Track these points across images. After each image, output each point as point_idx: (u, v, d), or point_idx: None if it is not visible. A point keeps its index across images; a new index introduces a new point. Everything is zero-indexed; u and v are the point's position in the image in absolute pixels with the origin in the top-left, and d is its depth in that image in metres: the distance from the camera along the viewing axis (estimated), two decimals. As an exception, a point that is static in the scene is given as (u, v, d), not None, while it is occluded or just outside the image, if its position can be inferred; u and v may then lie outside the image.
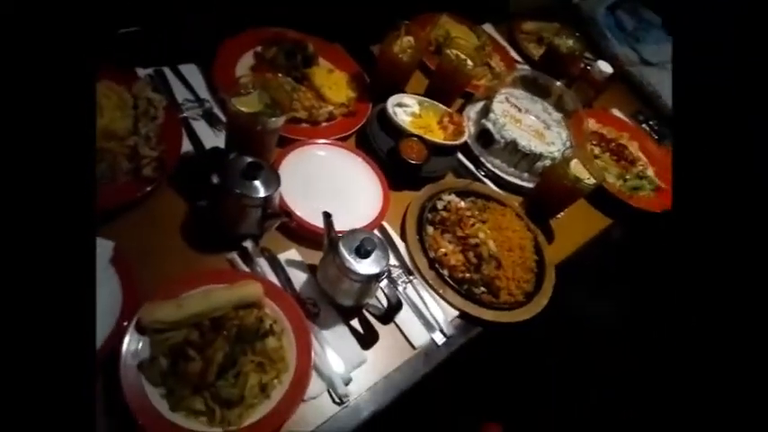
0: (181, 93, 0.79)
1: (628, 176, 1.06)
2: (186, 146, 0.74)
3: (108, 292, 0.57)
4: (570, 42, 1.17)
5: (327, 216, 0.66)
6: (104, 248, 0.59)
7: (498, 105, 0.98)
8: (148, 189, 0.66)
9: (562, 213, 0.93)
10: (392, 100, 0.89)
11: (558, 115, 1.03)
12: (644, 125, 1.29)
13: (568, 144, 0.99)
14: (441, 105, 0.94)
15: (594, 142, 1.11)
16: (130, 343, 0.54)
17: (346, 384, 0.63)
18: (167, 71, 0.81)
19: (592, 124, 1.14)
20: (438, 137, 0.90)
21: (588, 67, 1.14)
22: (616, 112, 1.26)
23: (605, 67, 1.12)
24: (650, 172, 1.12)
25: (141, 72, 0.78)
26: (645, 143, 1.18)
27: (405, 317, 0.71)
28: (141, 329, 0.55)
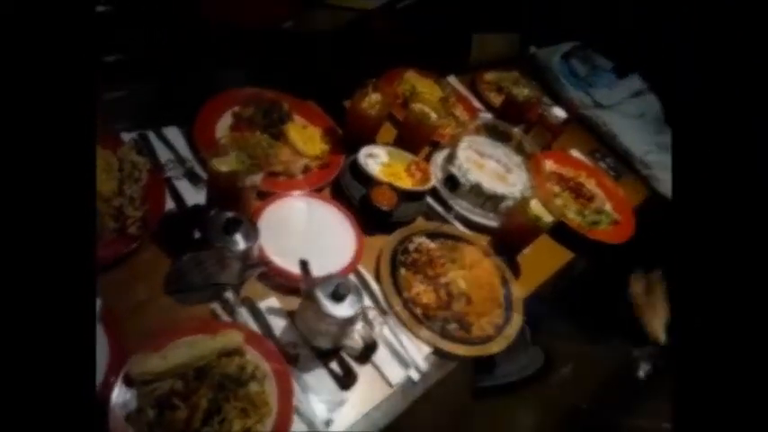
0: (164, 154, 0.84)
1: (586, 212, 1.14)
2: (170, 204, 0.78)
3: (96, 348, 0.60)
4: (526, 91, 1.27)
5: (304, 264, 0.71)
6: (92, 306, 0.62)
7: (462, 152, 1.05)
8: (133, 246, 0.70)
9: (528, 249, 0.99)
10: (363, 151, 0.95)
11: (518, 159, 1.11)
12: (601, 163, 1.39)
13: (528, 185, 1.07)
14: (408, 154, 1.01)
15: (554, 182, 1.19)
16: (118, 396, 0.56)
17: (328, 425, 0.65)
18: (151, 134, 0.86)
19: (551, 165, 1.22)
20: (406, 184, 0.96)
21: (545, 113, 1.24)
22: (574, 153, 1.35)
23: (559, 112, 1.22)
24: (607, 207, 1.20)
25: (126, 136, 0.83)
26: (602, 180, 1.27)
27: (381, 356, 0.74)
28: (129, 382, 0.58)
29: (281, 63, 1.03)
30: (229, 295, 0.71)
